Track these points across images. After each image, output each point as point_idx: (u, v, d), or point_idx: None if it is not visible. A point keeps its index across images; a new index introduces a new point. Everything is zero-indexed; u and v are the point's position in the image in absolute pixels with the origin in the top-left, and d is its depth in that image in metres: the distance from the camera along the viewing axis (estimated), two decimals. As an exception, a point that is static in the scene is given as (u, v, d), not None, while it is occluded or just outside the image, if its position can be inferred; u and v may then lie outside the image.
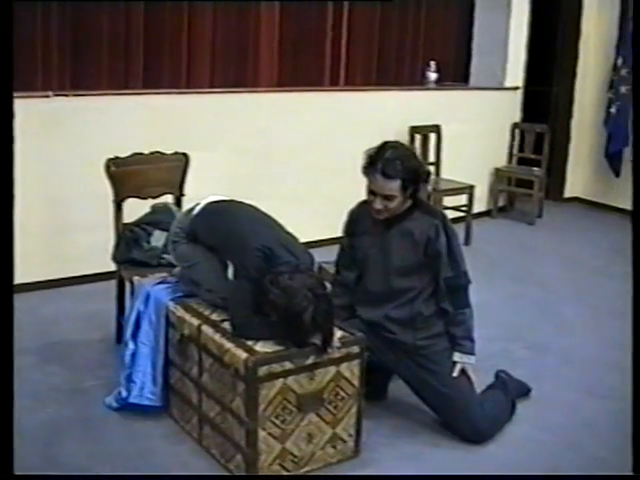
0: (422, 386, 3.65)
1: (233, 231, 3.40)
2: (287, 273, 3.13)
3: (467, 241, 6.79)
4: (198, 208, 3.61)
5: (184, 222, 3.63)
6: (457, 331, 3.60)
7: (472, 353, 3.61)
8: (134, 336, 3.69)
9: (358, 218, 3.69)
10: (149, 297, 3.69)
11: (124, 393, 3.65)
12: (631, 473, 2.92)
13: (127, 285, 4.26)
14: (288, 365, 3.10)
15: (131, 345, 3.68)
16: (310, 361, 3.15)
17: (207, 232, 3.52)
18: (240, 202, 3.66)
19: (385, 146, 3.43)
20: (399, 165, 3.35)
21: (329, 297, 3.23)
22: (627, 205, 7.93)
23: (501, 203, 8.17)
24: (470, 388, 3.61)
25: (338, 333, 3.26)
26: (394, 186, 3.37)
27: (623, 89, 7.76)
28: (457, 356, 3.59)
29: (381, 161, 3.37)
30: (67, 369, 4.12)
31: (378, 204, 3.43)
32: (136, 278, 3.91)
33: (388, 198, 3.40)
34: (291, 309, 3.07)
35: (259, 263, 3.19)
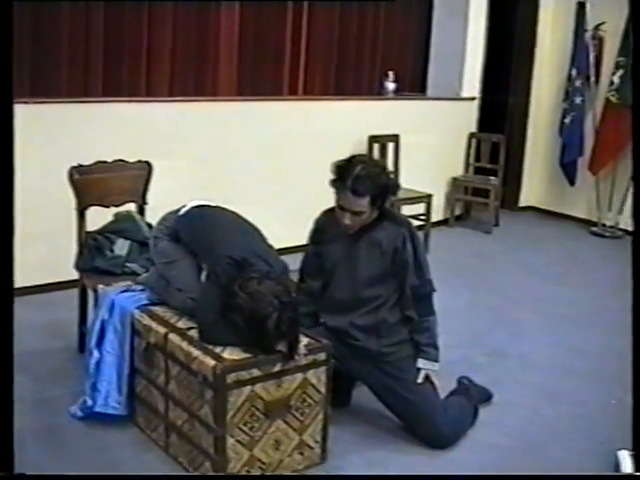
0: (387, 392, 3.68)
1: (209, 237, 3.44)
2: (256, 279, 3.16)
3: (425, 249, 6.83)
4: (184, 210, 3.64)
5: (169, 220, 3.65)
6: (421, 338, 3.65)
7: (436, 360, 3.66)
8: (98, 344, 3.68)
9: (324, 226, 3.71)
10: (114, 306, 3.68)
11: (89, 402, 3.64)
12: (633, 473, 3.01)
13: (90, 294, 4.24)
14: (256, 372, 3.12)
15: (95, 354, 3.66)
16: (277, 368, 3.18)
17: (188, 234, 3.54)
18: (223, 209, 3.69)
19: (353, 161, 3.45)
20: (369, 182, 3.36)
21: (295, 305, 3.24)
22: (581, 214, 8.17)
23: (458, 212, 8.26)
24: (434, 394, 3.66)
25: (304, 340, 3.29)
26: (364, 203, 3.39)
27: (578, 99, 7.91)
28: (421, 363, 3.63)
29: (351, 178, 3.37)
30: (30, 379, 4.07)
31: (347, 219, 3.45)
32: (100, 286, 3.90)
33: (357, 214, 3.43)
34: (256, 314, 3.09)
35: (229, 271, 3.22)
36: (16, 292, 5.01)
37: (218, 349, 3.18)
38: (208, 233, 3.47)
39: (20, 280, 4.95)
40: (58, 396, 3.90)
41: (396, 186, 3.67)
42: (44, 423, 3.68)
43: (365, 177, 3.37)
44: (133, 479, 3.18)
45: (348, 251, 3.61)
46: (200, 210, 3.64)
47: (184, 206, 3.67)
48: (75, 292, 4.40)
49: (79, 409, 3.70)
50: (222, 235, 3.43)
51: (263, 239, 3.56)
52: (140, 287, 3.77)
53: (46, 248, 5.12)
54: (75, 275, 4.36)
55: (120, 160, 4.40)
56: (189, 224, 3.57)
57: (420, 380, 3.61)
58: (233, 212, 3.68)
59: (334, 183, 3.45)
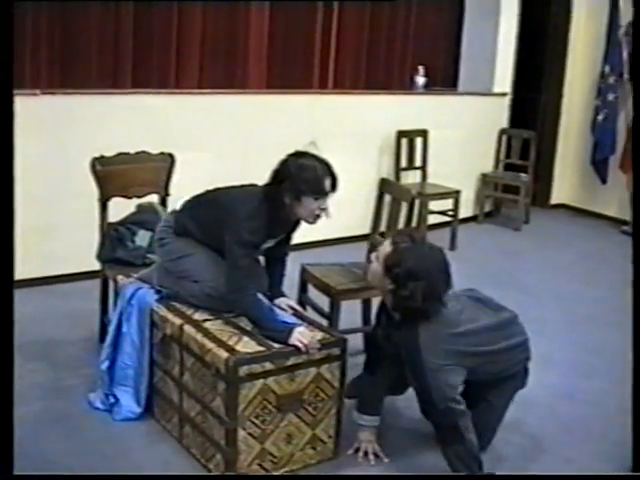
0: None
1: (215, 212, 3.49)
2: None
3: (452, 246, 6.83)
4: (179, 205, 3.69)
5: (169, 220, 3.68)
6: (452, 465, 3.20)
7: None
8: (115, 348, 3.73)
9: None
10: (132, 301, 3.68)
11: (112, 399, 3.71)
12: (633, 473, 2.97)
13: (111, 284, 4.27)
14: (269, 365, 3.13)
15: (105, 364, 3.73)
16: (290, 362, 3.18)
17: (194, 223, 3.56)
18: (217, 188, 3.70)
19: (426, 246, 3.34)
20: (403, 250, 3.21)
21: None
22: (613, 212, 8.07)
23: (488, 208, 8.21)
24: None
25: (318, 335, 3.29)
26: (384, 249, 3.25)
27: (610, 97, 7.82)
28: None
29: (404, 236, 3.33)
30: (50, 367, 4.13)
31: (372, 256, 3.39)
32: (120, 277, 3.93)
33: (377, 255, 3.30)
34: (303, 165, 3.37)
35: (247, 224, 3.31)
36: (39, 281, 5.14)
37: (232, 341, 3.19)
38: (212, 209, 3.53)
39: (44, 269, 5.11)
40: (76, 385, 3.94)
41: (425, 311, 3.20)
42: (61, 410, 3.72)
43: (411, 244, 3.26)
44: (134, 479, 3.19)
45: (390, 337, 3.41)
46: (197, 198, 3.67)
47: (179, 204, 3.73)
48: (97, 283, 4.43)
49: (100, 402, 3.73)
50: (227, 202, 3.47)
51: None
52: (150, 284, 3.74)
53: (70, 238, 5.17)
54: (97, 266, 4.39)
55: (142, 152, 4.42)
56: (191, 213, 3.60)
57: None
58: (228, 187, 3.68)
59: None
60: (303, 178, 3.31)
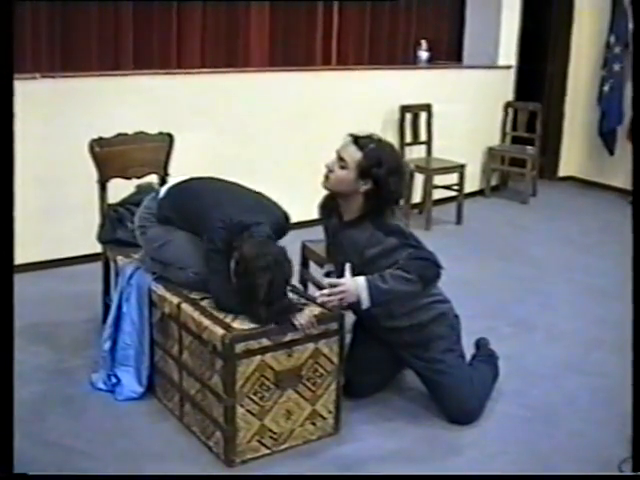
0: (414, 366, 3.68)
1: (197, 208, 3.43)
2: (249, 244, 3.13)
3: (459, 220, 6.81)
4: (163, 191, 3.64)
5: (151, 207, 3.63)
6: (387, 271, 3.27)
7: (371, 295, 3.23)
8: (116, 327, 3.74)
9: (326, 204, 3.68)
10: (131, 291, 3.69)
11: (114, 380, 3.71)
12: (632, 473, 2.96)
13: (112, 265, 4.27)
14: (265, 342, 3.12)
15: (108, 343, 3.74)
16: (287, 338, 3.17)
17: (176, 213, 3.53)
18: (202, 178, 3.67)
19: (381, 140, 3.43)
20: (374, 149, 3.33)
21: (289, 270, 3.23)
22: (621, 184, 8.01)
23: (494, 182, 8.16)
24: (461, 368, 3.60)
25: (315, 310, 3.28)
26: (353, 153, 3.32)
27: (616, 67, 7.75)
28: (359, 278, 3.25)
29: (364, 138, 3.37)
30: (53, 349, 4.14)
31: (330, 164, 3.40)
32: (119, 258, 3.94)
33: (342, 164, 3.35)
34: (248, 276, 3.10)
35: (223, 234, 3.21)
36: (42, 265, 5.14)
37: (228, 318, 3.19)
38: (194, 205, 3.46)
39: (45, 253, 5.10)
40: (79, 366, 3.96)
41: (396, 197, 3.46)
42: (63, 391, 3.73)
43: (377, 143, 3.36)
44: (136, 479, 3.18)
45: (335, 236, 3.58)
46: (180, 186, 3.63)
47: (162, 188, 3.69)
48: (100, 265, 4.42)
49: (102, 382, 3.74)
50: (208, 202, 3.41)
51: (251, 193, 3.55)
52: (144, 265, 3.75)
53: (71, 222, 5.17)
54: (100, 248, 4.39)
55: (141, 132, 4.40)
56: (173, 202, 3.56)
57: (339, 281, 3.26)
58: (213, 178, 3.66)
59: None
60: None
